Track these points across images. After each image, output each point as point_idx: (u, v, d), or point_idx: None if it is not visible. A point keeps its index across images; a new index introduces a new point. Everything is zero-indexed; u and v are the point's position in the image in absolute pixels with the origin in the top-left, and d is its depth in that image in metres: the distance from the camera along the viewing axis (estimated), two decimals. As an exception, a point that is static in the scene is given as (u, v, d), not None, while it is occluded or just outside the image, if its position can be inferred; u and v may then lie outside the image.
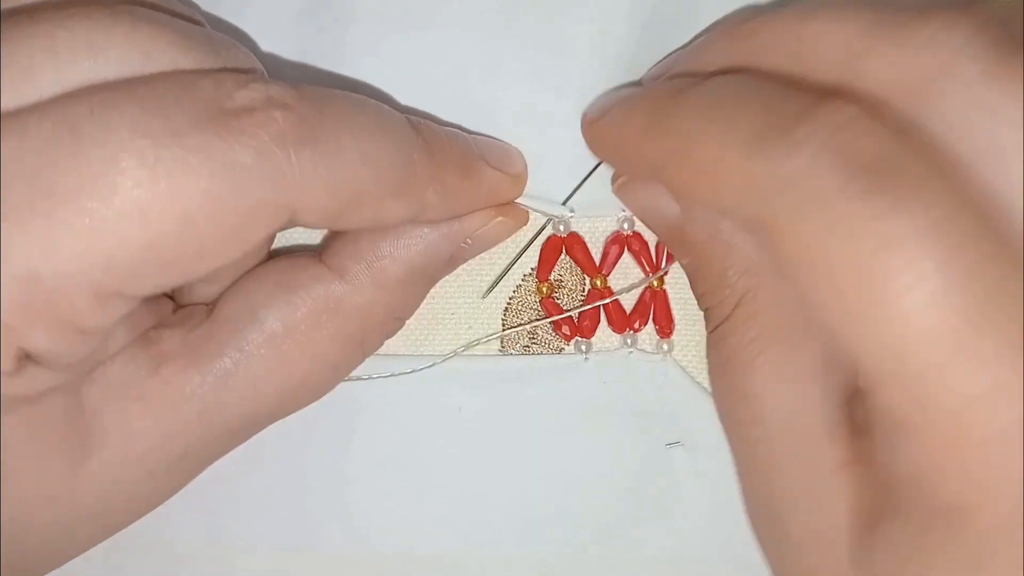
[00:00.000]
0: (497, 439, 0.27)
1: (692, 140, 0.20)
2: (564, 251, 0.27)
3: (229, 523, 0.27)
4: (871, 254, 0.17)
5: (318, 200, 0.20)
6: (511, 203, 0.26)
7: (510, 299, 0.28)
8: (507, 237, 0.26)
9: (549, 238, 0.27)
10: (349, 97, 0.22)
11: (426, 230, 0.24)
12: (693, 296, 0.25)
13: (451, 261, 0.25)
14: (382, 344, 0.25)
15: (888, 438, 0.18)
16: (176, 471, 0.23)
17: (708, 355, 0.24)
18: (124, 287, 0.19)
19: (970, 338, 0.16)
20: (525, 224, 0.26)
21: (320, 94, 0.21)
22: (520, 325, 0.27)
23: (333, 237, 0.25)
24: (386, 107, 0.22)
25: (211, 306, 0.23)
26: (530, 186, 0.26)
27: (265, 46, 0.27)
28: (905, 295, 0.16)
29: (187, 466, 0.23)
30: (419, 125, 0.23)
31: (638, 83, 0.26)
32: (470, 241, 0.24)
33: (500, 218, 0.25)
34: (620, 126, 0.23)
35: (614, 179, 0.26)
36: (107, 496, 0.22)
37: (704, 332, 0.27)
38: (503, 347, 0.28)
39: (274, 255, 0.25)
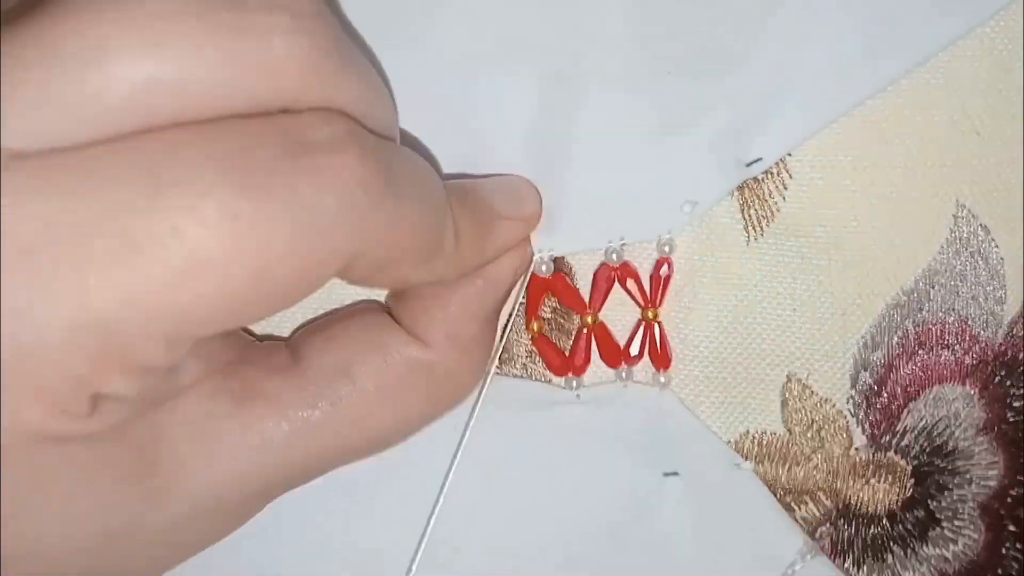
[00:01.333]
0: (486, 469, 0.27)
1: None
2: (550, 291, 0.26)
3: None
4: None
5: (378, 251, 0.19)
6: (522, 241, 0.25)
7: (509, 317, 0.27)
8: (516, 280, 0.25)
9: (532, 277, 0.26)
10: (401, 147, 0.21)
11: (477, 282, 0.24)
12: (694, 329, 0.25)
13: None
14: None
15: None
16: (247, 507, 0.23)
17: None
18: (194, 332, 0.18)
19: None
20: (530, 264, 0.26)
21: (381, 139, 0.20)
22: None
23: (397, 302, 0.24)
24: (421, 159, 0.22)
25: (290, 347, 0.24)
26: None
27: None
28: None
29: (259, 503, 0.23)
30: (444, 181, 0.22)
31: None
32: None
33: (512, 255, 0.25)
34: None
35: None
36: (178, 531, 0.21)
37: (706, 366, 0.26)
38: (500, 367, 0.27)
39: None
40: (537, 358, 0.27)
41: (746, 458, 0.27)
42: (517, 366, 0.27)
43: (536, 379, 0.27)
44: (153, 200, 0.16)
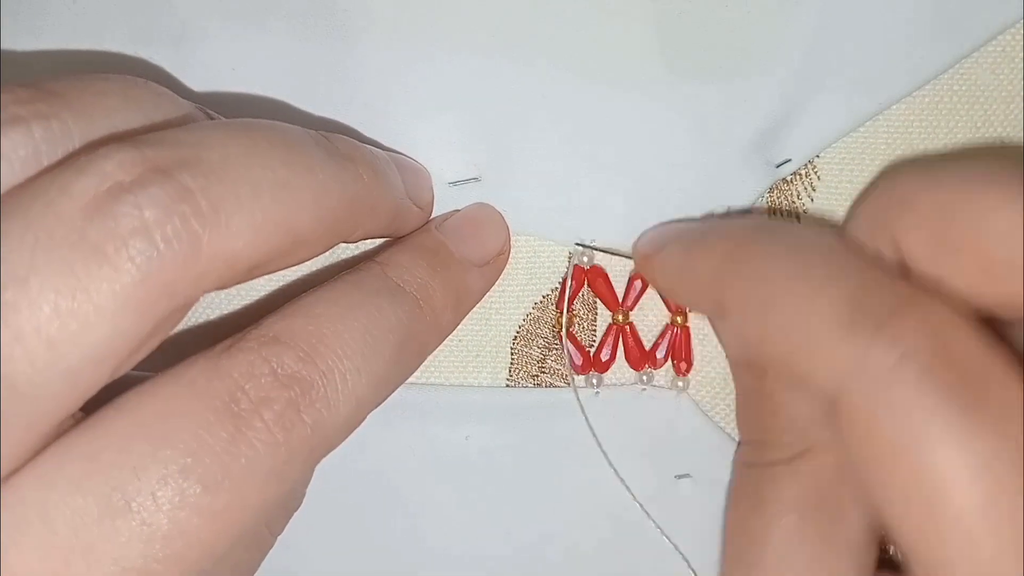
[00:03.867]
0: (503, 470, 0.26)
1: (774, 297, 0.20)
2: (586, 283, 0.25)
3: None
4: (937, 469, 0.17)
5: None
6: None
7: (519, 327, 0.26)
8: None
9: (573, 268, 0.25)
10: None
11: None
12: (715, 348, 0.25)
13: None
14: None
15: None
16: None
17: (738, 482, 0.24)
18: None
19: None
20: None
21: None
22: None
23: None
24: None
25: None
26: (550, 214, 0.25)
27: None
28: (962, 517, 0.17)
29: None
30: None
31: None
32: None
33: None
34: (682, 263, 0.23)
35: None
36: None
37: (723, 370, 0.26)
38: (511, 376, 0.26)
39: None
40: (549, 368, 0.26)
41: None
42: (527, 376, 0.26)
43: (548, 387, 0.26)
44: None
